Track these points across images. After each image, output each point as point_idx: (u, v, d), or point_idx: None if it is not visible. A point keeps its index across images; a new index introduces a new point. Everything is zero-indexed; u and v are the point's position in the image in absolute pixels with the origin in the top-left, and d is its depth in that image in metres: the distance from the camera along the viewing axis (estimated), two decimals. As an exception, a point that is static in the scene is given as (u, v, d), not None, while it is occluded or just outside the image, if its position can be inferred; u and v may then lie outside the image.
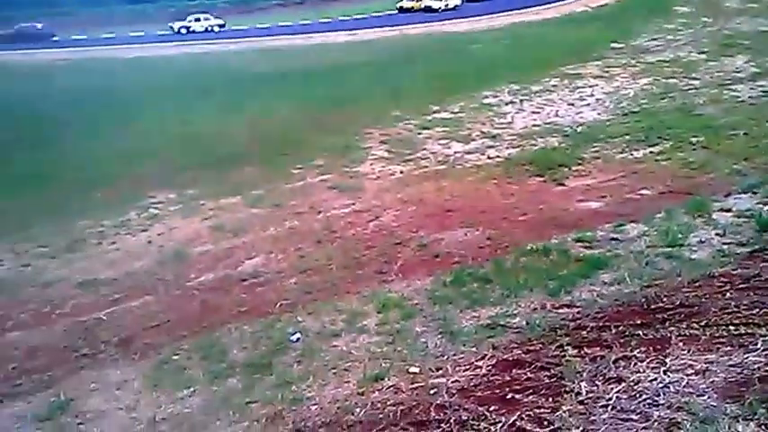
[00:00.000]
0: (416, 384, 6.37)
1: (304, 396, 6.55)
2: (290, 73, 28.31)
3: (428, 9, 51.19)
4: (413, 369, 6.71)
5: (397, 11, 52.54)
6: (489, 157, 15.00)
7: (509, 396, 5.59)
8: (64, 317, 8.93)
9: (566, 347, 6.48)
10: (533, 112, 19.00)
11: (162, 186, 13.95)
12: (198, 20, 48.79)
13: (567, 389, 5.50)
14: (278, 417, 6.26)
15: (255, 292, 9.27)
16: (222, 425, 6.31)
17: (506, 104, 20.11)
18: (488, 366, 6.43)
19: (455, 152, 15.63)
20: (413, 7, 51.95)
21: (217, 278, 9.75)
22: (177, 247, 10.89)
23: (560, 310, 7.67)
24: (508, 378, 6.05)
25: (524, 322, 7.42)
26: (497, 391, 5.77)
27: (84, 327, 8.63)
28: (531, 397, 5.47)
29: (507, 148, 15.69)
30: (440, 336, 7.40)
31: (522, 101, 20.40)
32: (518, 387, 5.74)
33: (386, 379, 6.58)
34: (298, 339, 7.72)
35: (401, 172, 14.38)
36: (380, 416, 5.84)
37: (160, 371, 7.38)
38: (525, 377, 5.95)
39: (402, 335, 7.53)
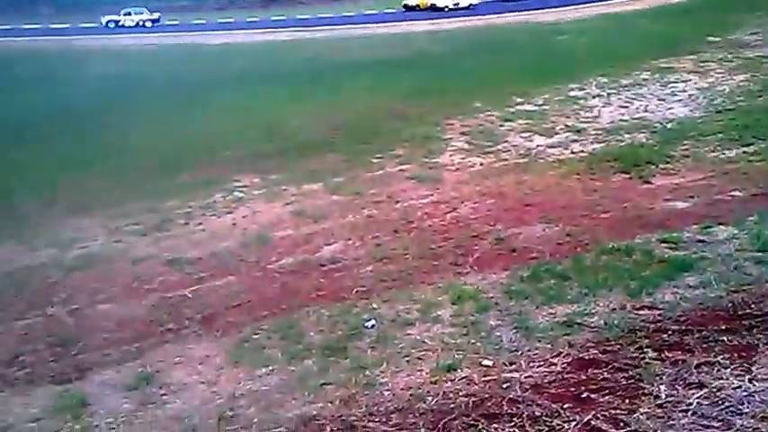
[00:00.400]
0: (489, 377, 6.38)
1: (377, 381, 6.65)
2: (372, 62, 28.53)
3: (433, 7, 50.29)
4: (486, 362, 6.72)
5: (403, 8, 51.77)
6: (573, 152, 14.69)
7: (584, 395, 5.54)
8: (152, 292, 9.32)
9: (645, 350, 6.36)
10: (621, 107, 18.47)
11: (247, 171, 14.32)
12: (129, 14, 49.21)
13: (646, 391, 5.42)
14: (351, 400, 6.38)
15: (333, 277, 9.42)
16: (297, 404, 6.47)
17: (593, 98, 19.62)
18: (563, 364, 6.38)
19: (537, 145, 15.38)
20: (418, 5, 50.95)
21: (296, 262, 9.96)
22: (260, 230, 11.18)
23: (641, 312, 7.49)
24: (584, 377, 5.98)
25: (602, 322, 7.29)
26: (572, 389, 5.72)
27: (170, 303, 8.97)
28: (606, 397, 5.41)
29: (592, 142, 15.33)
30: (514, 330, 7.36)
31: (609, 94, 19.85)
32: (594, 386, 5.68)
33: (459, 370, 6.61)
34: (373, 326, 7.84)
35: (481, 164, 14.28)
36: (452, 405, 5.90)
37: (241, 348, 7.63)
38: (601, 377, 5.88)
39: (476, 327, 7.52)
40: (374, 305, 8.36)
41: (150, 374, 7.28)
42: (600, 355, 6.50)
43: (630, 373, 5.98)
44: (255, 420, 6.27)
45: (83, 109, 22.21)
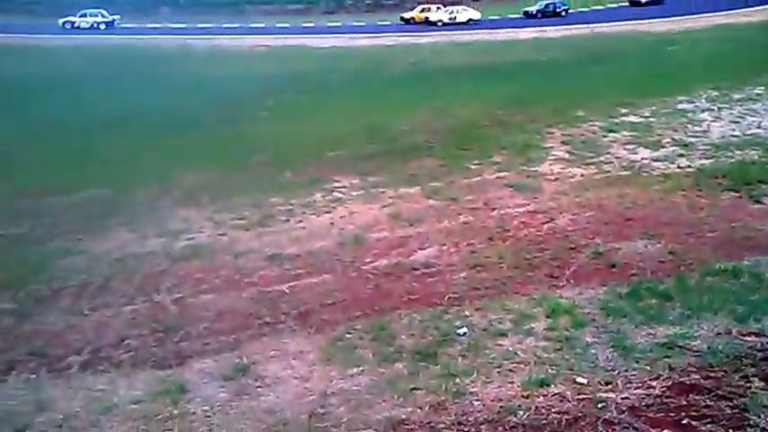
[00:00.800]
0: (583, 396, 6.25)
1: (467, 390, 6.64)
2: (475, 68, 28.47)
3: (428, 21, 51.44)
4: (580, 379, 6.58)
5: (401, 21, 53.47)
6: (679, 167, 14.12)
7: (684, 421, 5.35)
8: (251, 286, 9.61)
9: (751, 378, 6.07)
10: (732, 122, 17.65)
11: (347, 171, 14.57)
12: (84, 16, 52.79)
13: (751, 423, 5.18)
14: (440, 407, 6.40)
15: (426, 282, 9.44)
16: (386, 407, 6.54)
17: (702, 111, 18.83)
18: (663, 387, 6.16)
19: (642, 158, 14.88)
20: (413, 18, 53.04)
21: (390, 265, 10.05)
22: (356, 231, 11.35)
23: (747, 338, 7.15)
24: (684, 403, 5.77)
25: (706, 346, 7.00)
26: (672, 414, 5.53)
27: (268, 297, 9.23)
28: (708, 426, 5.21)
29: (700, 158, 14.69)
30: (611, 349, 7.17)
31: (720, 108, 19.02)
32: (695, 413, 5.47)
33: (551, 385, 6.52)
34: (464, 333, 7.82)
35: (581, 175, 13.95)
36: (544, 422, 5.81)
37: (333, 347, 7.79)
38: (704, 404, 5.65)
39: (571, 343, 7.38)
40: (466, 312, 8.35)
41: (246, 366, 7.52)
42: (702, 380, 6.25)
43: (735, 402, 5.72)
44: (345, 420, 6.38)
45: (198, 105, 23.20)
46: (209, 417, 6.67)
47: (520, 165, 14.68)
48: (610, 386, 6.39)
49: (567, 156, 15.34)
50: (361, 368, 7.30)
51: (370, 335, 7.98)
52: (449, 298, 8.85)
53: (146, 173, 15.01)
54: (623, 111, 19.12)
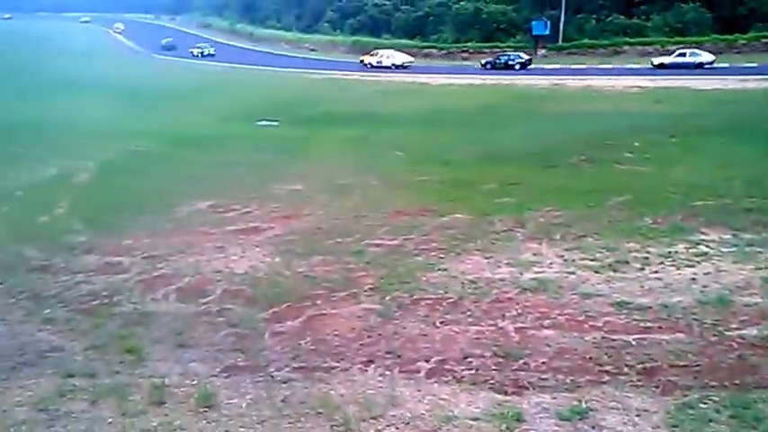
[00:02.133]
0: None
1: None
2: None
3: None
4: None
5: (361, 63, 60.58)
6: None
7: None
8: (594, 330, 9.23)
9: None
10: None
11: (717, 225, 13.19)
12: (196, 47, 76.54)
13: None
14: None
15: (809, 364, 8.02)
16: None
17: None
18: None
19: None
20: (363, 61, 60.61)
21: (762, 336, 8.78)
22: (722, 291, 10.15)
23: None
24: None
25: None
26: None
27: (612, 345, 8.77)
28: None
29: None
30: None
31: None
32: None
33: None
34: None
35: None
36: None
37: (683, 413, 7.09)
38: None
39: None
40: None
41: (585, 410, 7.28)
42: None
43: None
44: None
45: (564, 142, 23.25)
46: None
47: None
48: None
49: None
50: (718, 444, 6.50)
51: (729, 410, 7.09)
52: (838, 390, 7.39)
53: (505, 205, 15.49)
54: None
